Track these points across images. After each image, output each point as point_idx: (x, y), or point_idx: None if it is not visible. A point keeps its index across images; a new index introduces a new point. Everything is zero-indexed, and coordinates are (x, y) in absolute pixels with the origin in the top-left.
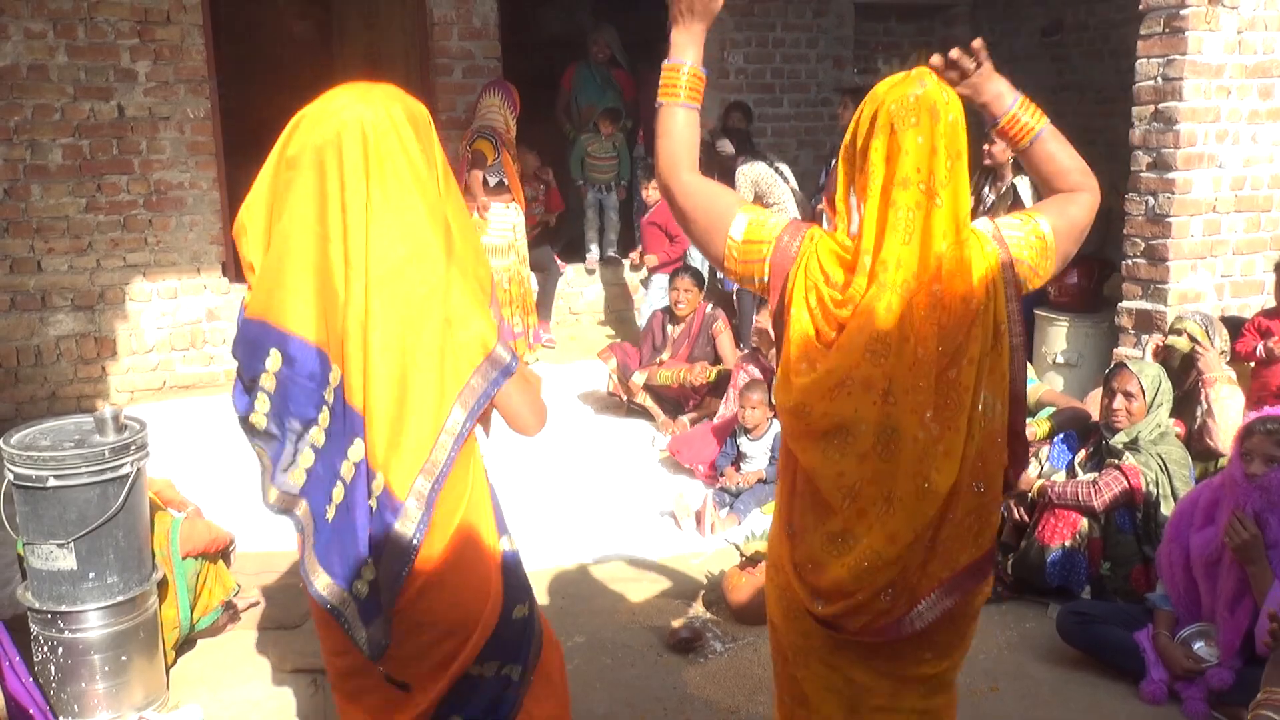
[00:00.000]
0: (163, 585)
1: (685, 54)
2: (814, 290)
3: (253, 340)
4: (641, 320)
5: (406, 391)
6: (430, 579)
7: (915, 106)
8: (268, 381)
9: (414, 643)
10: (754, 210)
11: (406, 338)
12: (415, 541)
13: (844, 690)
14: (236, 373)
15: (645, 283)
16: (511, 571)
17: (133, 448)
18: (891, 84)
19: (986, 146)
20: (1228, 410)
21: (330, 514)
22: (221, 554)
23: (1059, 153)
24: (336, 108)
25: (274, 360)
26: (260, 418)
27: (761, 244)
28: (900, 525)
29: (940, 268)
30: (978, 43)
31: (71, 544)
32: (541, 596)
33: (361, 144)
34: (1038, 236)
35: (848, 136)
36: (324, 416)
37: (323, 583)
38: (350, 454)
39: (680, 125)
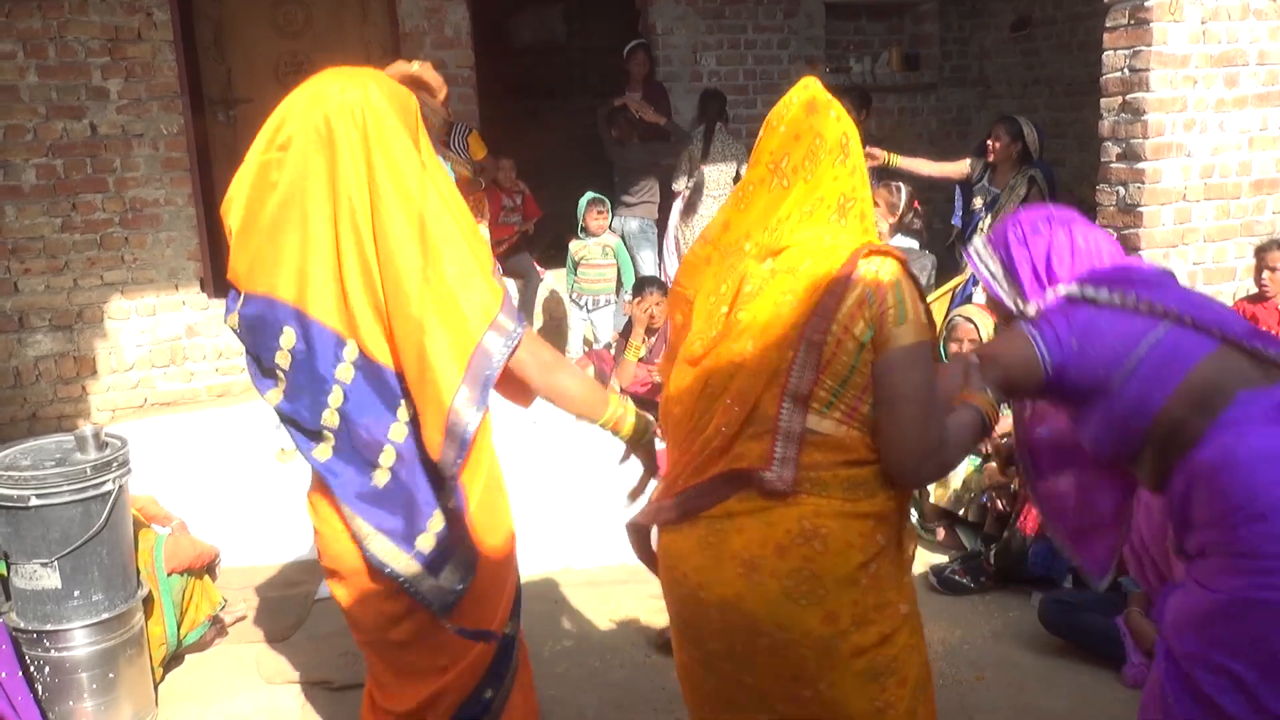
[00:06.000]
0: (148, 602)
1: None
2: None
3: (261, 316)
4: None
5: (423, 357)
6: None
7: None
8: (283, 360)
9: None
10: None
11: (416, 306)
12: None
13: None
14: (250, 356)
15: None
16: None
17: (114, 465)
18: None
19: (990, 142)
20: None
21: (379, 480)
22: (207, 569)
23: None
24: (325, 92)
25: (288, 338)
26: (276, 395)
27: None
28: None
29: None
30: None
31: (55, 563)
32: (528, 601)
33: (359, 125)
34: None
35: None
36: (336, 395)
37: (381, 547)
38: (399, 415)
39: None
